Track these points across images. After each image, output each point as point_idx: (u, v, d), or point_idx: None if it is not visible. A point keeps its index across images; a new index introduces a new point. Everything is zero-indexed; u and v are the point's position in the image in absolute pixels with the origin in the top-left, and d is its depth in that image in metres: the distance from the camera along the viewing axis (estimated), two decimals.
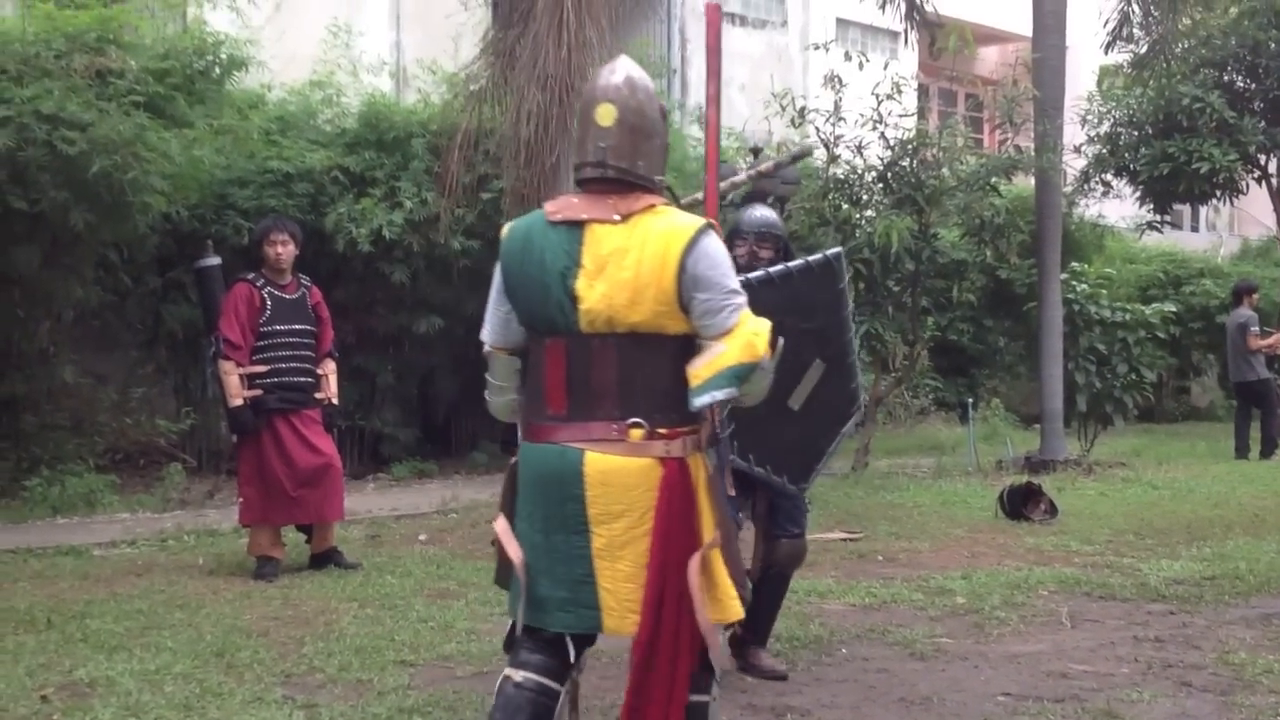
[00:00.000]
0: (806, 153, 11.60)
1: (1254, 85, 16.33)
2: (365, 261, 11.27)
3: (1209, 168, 15.48)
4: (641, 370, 3.23)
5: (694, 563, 3.19)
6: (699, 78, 20.13)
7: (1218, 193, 16.88)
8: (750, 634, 5.05)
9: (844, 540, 8.37)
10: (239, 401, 7.04)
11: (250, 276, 7.23)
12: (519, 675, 3.30)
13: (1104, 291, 13.39)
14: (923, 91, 20.54)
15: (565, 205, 3.32)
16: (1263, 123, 15.94)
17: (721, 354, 3.21)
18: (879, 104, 11.63)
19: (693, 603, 3.18)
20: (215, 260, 7.71)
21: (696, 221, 3.27)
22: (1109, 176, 17.09)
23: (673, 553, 3.18)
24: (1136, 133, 16.50)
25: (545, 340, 3.30)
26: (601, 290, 3.19)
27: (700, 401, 3.23)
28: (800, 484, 4.90)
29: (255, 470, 7.15)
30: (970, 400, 14.42)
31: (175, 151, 9.32)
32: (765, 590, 5.03)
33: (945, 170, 11.88)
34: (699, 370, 3.23)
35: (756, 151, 12.81)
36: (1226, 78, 16.32)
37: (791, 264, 4.81)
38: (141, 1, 11.01)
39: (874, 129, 11.73)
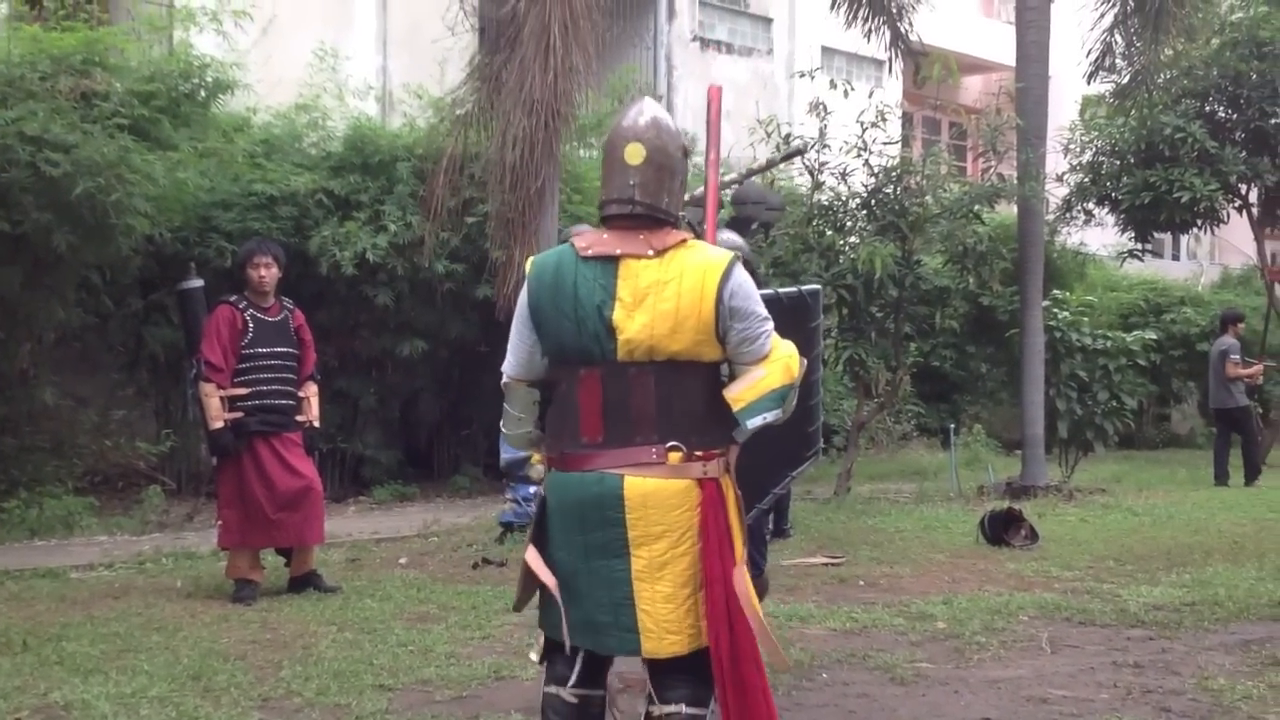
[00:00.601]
0: (800, 150, 11.60)
1: (1235, 115, 16.44)
2: (349, 284, 11.26)
3: (1190, 197, 15.57)
4: (679, 396, 3.35)
5: (740, 575, 3.34)
6: (684, 104, 20.21)
7: (1199, 222, 16.97)
8: None
9: (825, 565, 8.36)
10: (219, 424, 7.01)
11: (233, 299, 7.22)
12: (568, 694, 3.44)
13: (1085, 319, 13.46)
14: (907, 119, 20.64)
15: (596, 240, 3.42)
16: (1244, 153, 16.05)
17: (763, 378, 3.36)
18: (863, 131, 11.69)
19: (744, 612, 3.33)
20: (198, 282, 7.70)
21: (726, 255, 3.40)
22: (1091, 205, 17.17)
23: (723, 568, 3.31)
24: (1118, 162, 16.60)
25: (579, 371, 3.37)
26: (642, 321, 3.30)
27: (752, 423, 3.37)
28: None
29: (235, 493, 7.12)
30: (952, 426, 14.45)
31: (159, 174, 9.32)
32: None
33: (929, 197, 11.93)
34: (741, 394, 3.37)
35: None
36: (1208, 108, 16.44)
37: (763, 292, 4.80)
38: (127, 24, 11.04)
39: (858, 156, 11.78)
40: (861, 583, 7.79)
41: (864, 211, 12.04)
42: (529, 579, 3.50)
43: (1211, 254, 27.69)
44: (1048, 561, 8.56)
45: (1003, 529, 9.32)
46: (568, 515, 3.39)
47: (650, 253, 3.35)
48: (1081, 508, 11.59)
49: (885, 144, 11.91)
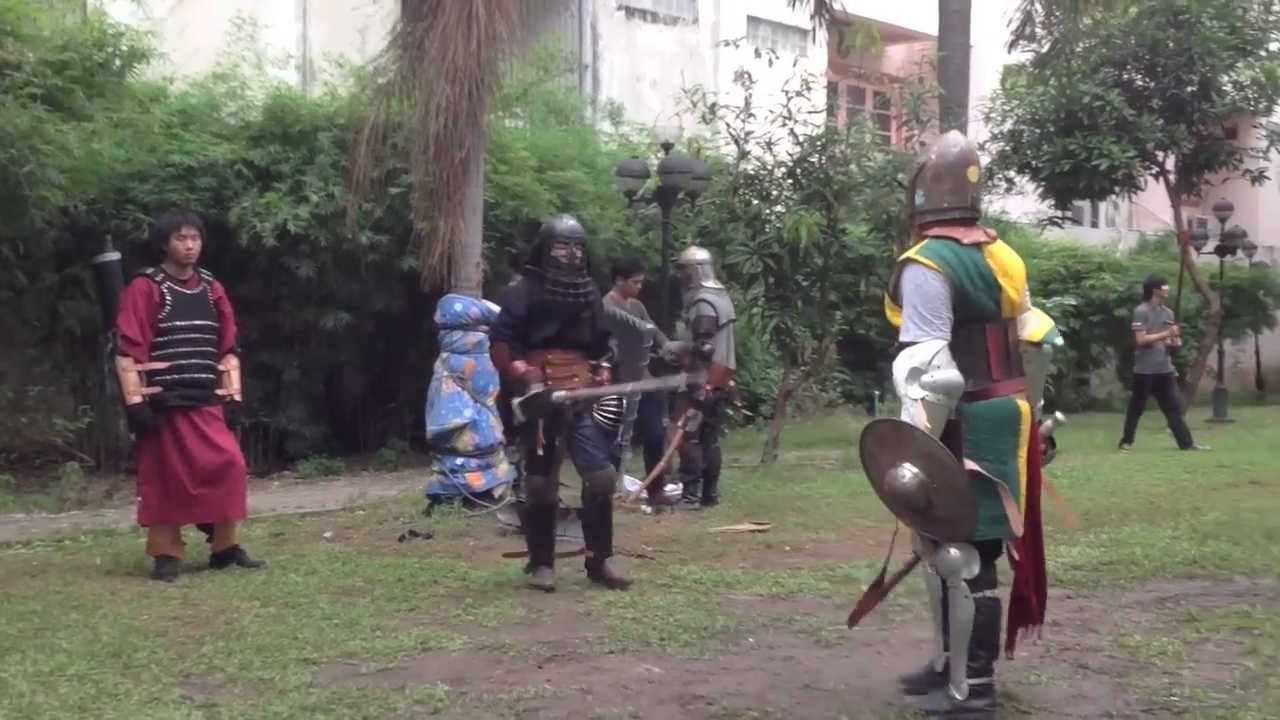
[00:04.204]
0: None
1: (1152, 84, 16.71)
2: (270, 256, 11.10)
3: (1108, 164, 15.82)
4: (1014, 340, 4.67)
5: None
6: (610, 73, 20.14)
7: (1117, 189, 17.27)
8: (598, 551, 6.72)
9: (752, 532, 8.42)
10: (138, 399, 6.89)
11: (150, 271, 7.07)
12: (994, 593, 4.53)
13: None
14: (831, 89, 20.71)
15: (964, 234, 4.54)
16: (1160, 120, 16.32)
17: (1044, 319, 4.78)
18: (788, 101, 11.70)
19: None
20: (114, 255, 7.55)
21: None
22: (1012, 173, 17.39)
23: (1035, 458, 4.64)
24: (1039, 130, 16.81)
25: (985, 325, 4.52)
26: (1016, 286, 4.60)
27: (1054, 341, 4.79)
28: None
29: (155, 469, 7.01)
30: (878, 393, 14.60)
31: (74, 145, 9.15)
32: (592, 516, 6.74)
33: (853, 166, 11.98)
34: (1039, 328, 4.73)
35: (668, 147, 12.83)
36: (1126, 76, 16.69)
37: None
38: None
39: (783, 125, 11.79)
40: (788, 548, 7.85)
41: (789, 181, 12.07)
42: (971, 487, 4.31)
43: (1129, 221, 28.17)
44: None
45: None
46: (994, 430, 4.48)
47: (989, 239, 4.60)
48: None
49: (810, 113, 11.93)
